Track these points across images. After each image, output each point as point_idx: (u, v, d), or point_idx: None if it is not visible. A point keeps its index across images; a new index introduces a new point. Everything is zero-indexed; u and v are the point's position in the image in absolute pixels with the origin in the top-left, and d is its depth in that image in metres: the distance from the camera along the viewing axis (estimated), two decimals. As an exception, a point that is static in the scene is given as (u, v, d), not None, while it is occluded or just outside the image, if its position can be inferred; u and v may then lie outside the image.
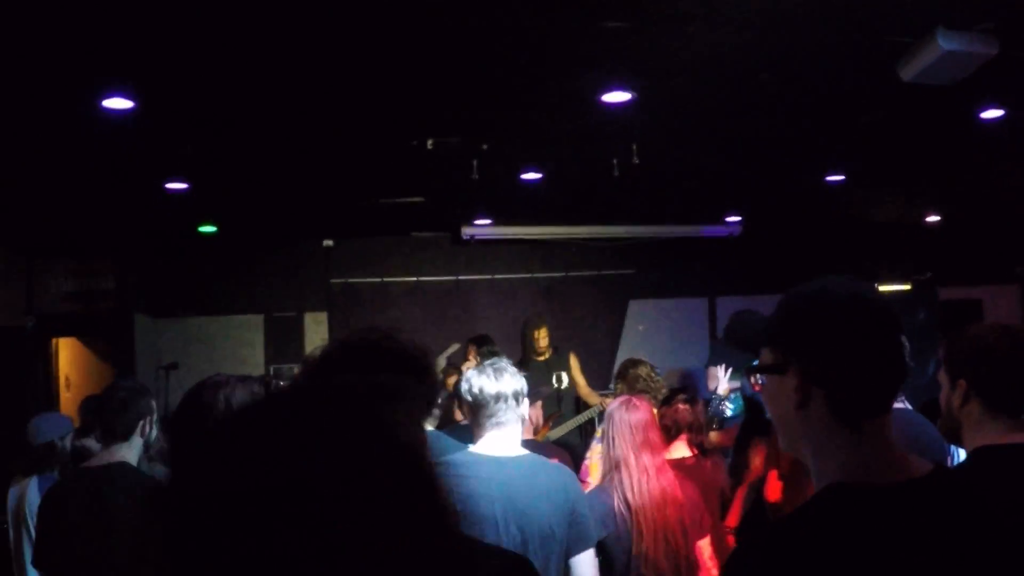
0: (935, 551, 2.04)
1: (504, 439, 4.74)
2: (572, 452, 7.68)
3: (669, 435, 6.39)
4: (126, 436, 5.25)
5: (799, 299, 2.32)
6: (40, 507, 5.40)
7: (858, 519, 2.07)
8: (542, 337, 11.34)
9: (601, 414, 9.07)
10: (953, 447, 5.49)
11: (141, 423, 5.29)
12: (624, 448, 5.52)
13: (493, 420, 4.72)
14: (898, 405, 5.36)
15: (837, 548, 2.03)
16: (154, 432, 5.45)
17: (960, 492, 2.18)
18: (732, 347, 2.64)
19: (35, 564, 5.38)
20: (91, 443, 6.54)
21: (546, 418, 10.63)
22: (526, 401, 4.97)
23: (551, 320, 11.94)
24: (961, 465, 3.52)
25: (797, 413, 2.23)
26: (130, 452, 5.28)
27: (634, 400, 5.68)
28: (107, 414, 5.29)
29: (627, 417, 5.54)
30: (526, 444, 6.66)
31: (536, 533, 4.60)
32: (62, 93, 6.85)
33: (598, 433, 7.07)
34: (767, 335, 2.34)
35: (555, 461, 6.61)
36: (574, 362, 11.46)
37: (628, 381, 7.42)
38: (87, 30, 5.69)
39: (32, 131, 7.76)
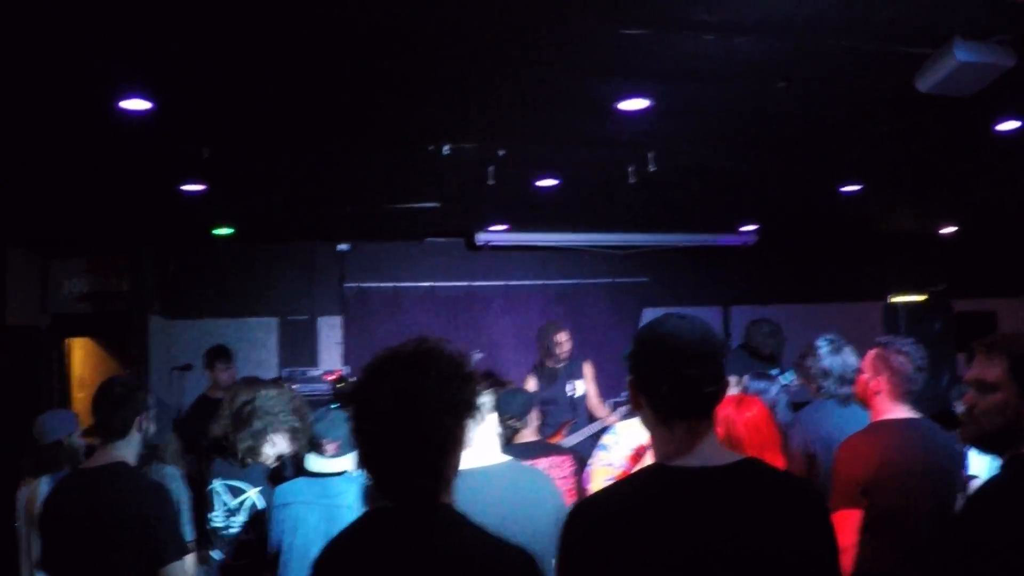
0: (716, 516, 2.80)
1: (473, 453, 4.76)
2: (579, 458, 7.72)
3: None
4: (123, 433, 5.24)
5: (641, 327, 3.24)
6: (42, 511, 5.38)
7: (663, 489, 2.88)
8: (565, 341, 11.32)
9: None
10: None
11: (138, 419, 5.27)
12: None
13: None
14: (914, 415, 5.41)
15: (643, 509, 2.83)
16: (152, 428, 5.42)
17: (748, 479, 2.92)
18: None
19: (41, 567, 5.38)
20: (101, 442, 6.56)
21: (560, 425, 10.66)
22: (493, 415, 5.04)
23: (566, 327, 11.94)
24: (1002, 474, 3.38)
25: (639, 412, 3.11)
26: (128, 450, 5.28)
27: (746, 398, 5.55)
28: (103, 411, 5.26)
29: (739, 417, 5.41)
30: (533, 445, 6.76)
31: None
32: (80, 93, 6.86)
33: (602, 441, 7.09)
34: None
35: (554, 459, 6.68)
36: (588, 371, 11.45)
37: None
38: (105, 30, 5.70)
39: (49, 131, 7.77)
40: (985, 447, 3.55)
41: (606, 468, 6.82)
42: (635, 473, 3.08)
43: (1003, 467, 3.39)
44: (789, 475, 3.09)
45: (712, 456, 2.95)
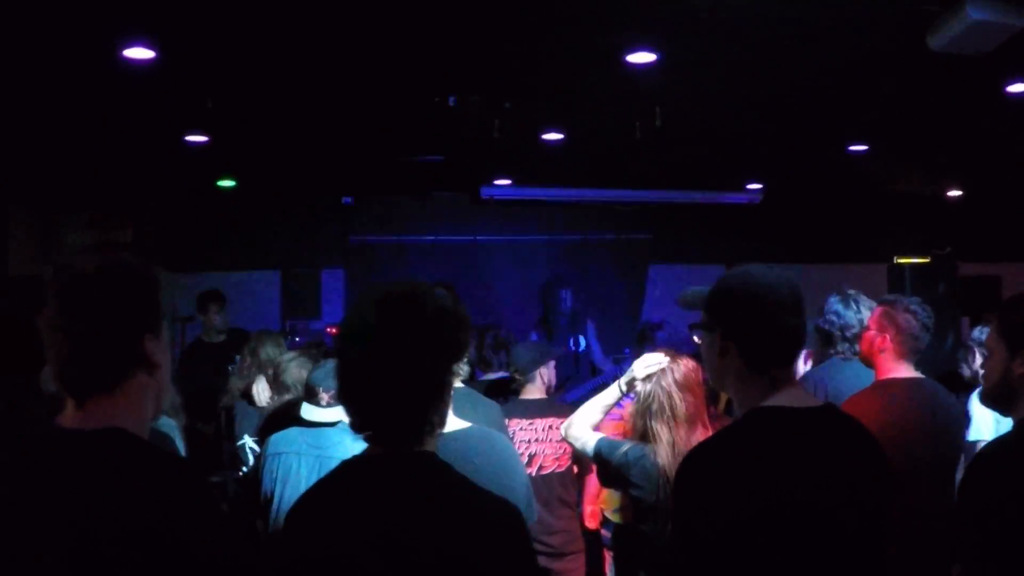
0: (821, 450, 2.98)
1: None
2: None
3: None
4: None
5: (728, 277, 3.22)
6: None
7: (772, 427, 2.98)
8: (567, 299, 11.35)
9: (615, 377, 9.08)
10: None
11: None
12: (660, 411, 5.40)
13: None
14: (917, 375, 5.38)
15: (759, 447, 2.94)
16: None
17: (838, 420, 3.13)
18: (686, 310, 3.62)
19: None
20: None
21: (561, 380, 10.66)
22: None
23: (571, 283, 11.93)
24: (1012, 432, 3.47)
25: (720, 360, 3.17)
26: None
27: (682, 359, 5.53)
28: None
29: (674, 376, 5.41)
30: (535, 403, 6.75)
31: None
32: (82, 42, 6.82)
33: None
34: (705, 302, 3.25)
35: (554, 420, 6.65)
36: (591, 328, 11.47)
37: (655, 344, 7.40)
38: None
39: (51, 81, 7.72)
40: (992, 406, 3.71)
41: (615, 422, 6.77)
42: (743, 417, 3.10)
43: (1013, 427, 3.47)
44: (858, 420, 3.20)
45: (804, 399, 3.13)
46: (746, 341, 3.10)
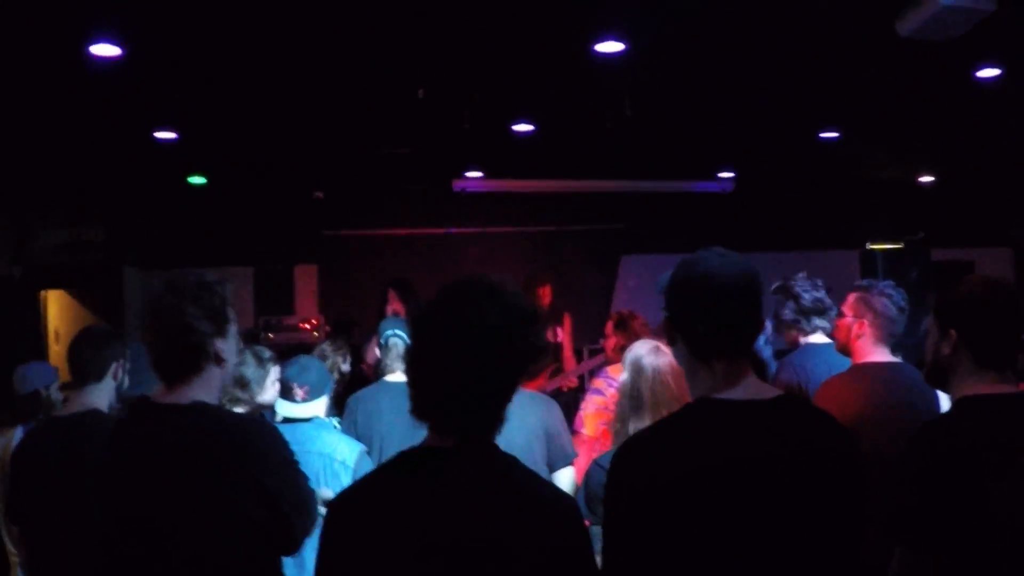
0: (761, 445, 2.84)
1: None
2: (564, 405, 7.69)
3: None
4: (98, 376, 5.14)
5: (680, 263, 3.09)
6: (13, 459, 5.30)
7: (714, 420, 2.90)
8: (545, 295, 11.35)
9: (593, 371, 9.05)
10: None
11: (114, 365, 5.17)
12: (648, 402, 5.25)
13: None
14: (895, 359, 5.39)
15: (694, 440, 2.86)
16: (127, 381, 5.33)
17: (791, 412, 3.00)
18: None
19: (9, 518, 5.27)
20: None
21: (543, 370, 10.65)
22: None
23: (547, 281, 11.94)
24: (947, 413, 3.63)
25: (673, 348, 3.12)
26: (101, 397, 5.17)
27: (661, 345, 5.39)
28: (80, 352, 5.19)
29: (658, 363, 5.26)
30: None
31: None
32: (48, 39, 6.78)
33: (594, 385, 7.02)
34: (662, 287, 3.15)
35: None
36: (567, 323, 11.48)
37: (630, 332, 7.37)
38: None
39: (18, 79, 7.67)
40: (932, 384, 3.88)
41: (602, 412, 6.74)
42: (681, 409, 3.04)
43: (952, 406, 3.62)
44: (823, 410, 3.13)
45: (756, 391, 2.97)
46: (687, 332, 3.02)
